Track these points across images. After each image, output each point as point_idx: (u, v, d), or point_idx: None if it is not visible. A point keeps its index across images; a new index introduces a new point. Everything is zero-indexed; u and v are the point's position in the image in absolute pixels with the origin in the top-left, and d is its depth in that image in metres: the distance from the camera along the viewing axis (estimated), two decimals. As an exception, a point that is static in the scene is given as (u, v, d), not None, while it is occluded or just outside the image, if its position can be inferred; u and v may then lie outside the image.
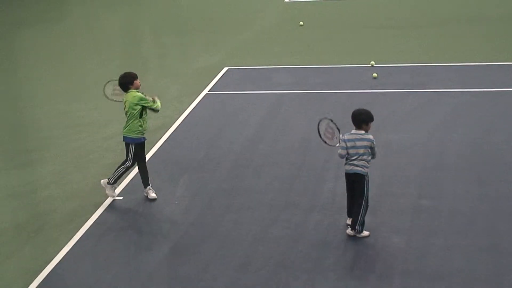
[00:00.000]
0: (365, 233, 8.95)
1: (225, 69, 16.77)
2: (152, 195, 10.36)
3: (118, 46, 20.46)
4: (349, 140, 8.91)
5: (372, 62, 16.21)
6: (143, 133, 10.20)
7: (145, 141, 10.37)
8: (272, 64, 17.01)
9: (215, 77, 16.14)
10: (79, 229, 9.66)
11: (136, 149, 10.19)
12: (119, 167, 10.28)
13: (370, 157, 8.95)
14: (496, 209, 9.50)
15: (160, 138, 12.68)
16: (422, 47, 17.94)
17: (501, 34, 18.73)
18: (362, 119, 8.98)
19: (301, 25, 20.93)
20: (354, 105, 13.31)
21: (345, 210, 9.48)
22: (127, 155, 10.24)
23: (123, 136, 10.25)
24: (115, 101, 10.65)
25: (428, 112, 13.12)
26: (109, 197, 10.42)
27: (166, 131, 12.98)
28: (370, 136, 8.96)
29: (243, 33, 20.63)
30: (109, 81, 10.67)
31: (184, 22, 22.97)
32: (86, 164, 11.84)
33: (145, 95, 10.08)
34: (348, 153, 8.89)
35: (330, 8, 23.44)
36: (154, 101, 10.10)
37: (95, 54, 19.72)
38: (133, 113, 10.00)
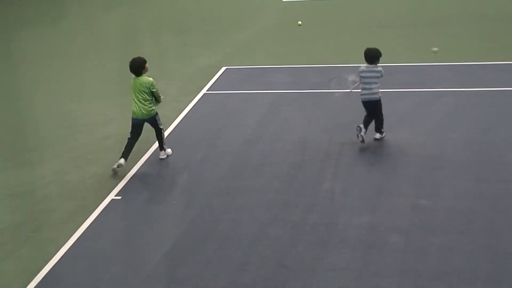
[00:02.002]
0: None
1: (223, 68, 16.77)
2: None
3: (117, 45, 20.44)
4: (361, 71, 11.55)
5: (371, 62, 16.20)
6: None
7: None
8: (270, 64, 17.01)
9: (213, 77, 16.14)
10: (78, 228, 9.67)
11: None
12: (161, 136, 11.73)
13: (378, 85, 11.44)
14: (494, 208, 9.52)
15: (159, 137, 12.69)
16: (420, 46, 17.93)
17: (499, 33, 18.74)
18: (373, 55, 11.45)
19: (299, 25, 20.93)
20: (352, 105, 13.40)
21: (344, 209, 9.59)
22: (159, 125, 11.68)
23: (149, 117, 11.49)
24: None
25: (426, 112, 13.13)
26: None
27: (164, 131, 12.95)
28: (379, 68, 11.45)
29: (241, 33, 20.64)
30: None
31: (182, 22, 22.98)
32: (85, 164, 11.84)
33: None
34: (360, 81, 11.56)
35: (328, 8, 23.45)
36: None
37: (94, 54, 19.72)
38: (147, 96, 11.35)
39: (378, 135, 11.84)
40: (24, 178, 11.57)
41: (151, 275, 8.48)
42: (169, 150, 11.90)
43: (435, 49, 14.24)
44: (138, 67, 11.32)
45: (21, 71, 18.28)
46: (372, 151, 11.55)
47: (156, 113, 11.60)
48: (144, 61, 11.40)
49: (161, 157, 11.76)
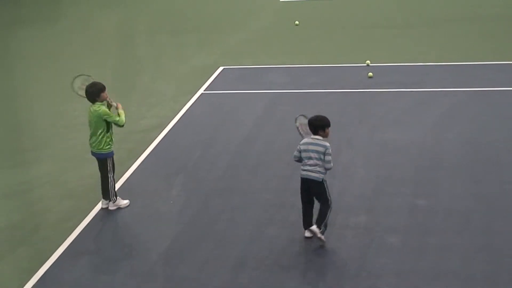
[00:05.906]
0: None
1: (220, 68, 16.78)
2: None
3: (114, 45, 20.45)
4: (303, 144, 8.82)
5: (368, 62, 16.25)
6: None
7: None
8: (267, 64, 17.02)
9: (210, 77, 16.15)
10: (75, 228, 9.65)
11: (113, 161, 9.96)
12: (109, 185, 9.97)
13: (324, 164, 8.64)
14: (491, 208, 9.52)
15: (156, 137, 12.69)
16: (418, 46, 17.97)
17: (495, 33, 18.78)
18: (317, 125, 8.78)
19: (296, 25, 20.94)
20: (349, 105, 13.43)
21: (341, 209, 9.51)
22: (105, 170, 9.95)
23: (95, 153, 9.93)
24: (81, 96, 10.09)
25: (423, 112, 13.14)
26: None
27: (161, 131, 12.98)
28: (326, 143, 8.69)
29: (238, 33, 20.64)
30: (79, 76, 10.22)
31: (179, 22, 22.98)
32: (82, 164, 11.82)
33: (110, 103, 9.86)
34: (300, 157, 8.82)
35: (326, 8, 23.47)
36: (117, 114, 9.78)
37: (90, 53, 19.72)
38: (99, 127, 9.81)
39: (315, 229, 8.68)
40: (20, 178, 11.56)
41: (148, 275, 8.46)
42: (124, 201, 10.13)
43: (370, 74, 14.56)
44: (90, 93, 9.81)
45: (17, 71, 18.26)
46: (369, 151, 11.55)
47: (109, 154, 9.88)
48: (99, 89, 9.78)
49: (110, 207, 10.08)
